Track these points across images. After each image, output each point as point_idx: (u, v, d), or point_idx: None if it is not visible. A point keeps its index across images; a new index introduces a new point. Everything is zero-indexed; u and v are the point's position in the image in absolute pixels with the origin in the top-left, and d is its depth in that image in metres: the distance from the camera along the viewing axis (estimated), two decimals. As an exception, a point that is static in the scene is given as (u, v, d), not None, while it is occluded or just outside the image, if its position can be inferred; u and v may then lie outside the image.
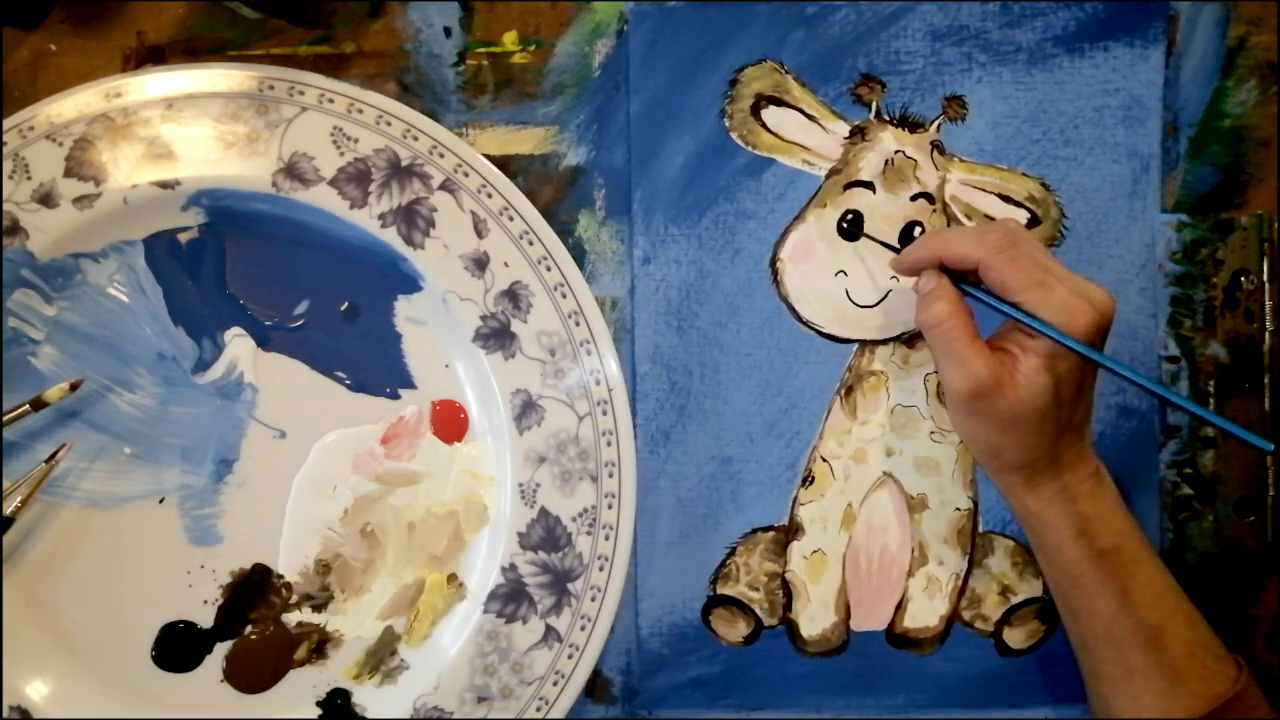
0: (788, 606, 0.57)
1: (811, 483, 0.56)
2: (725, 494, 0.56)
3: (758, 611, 0.57)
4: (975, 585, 0.57)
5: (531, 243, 0.54)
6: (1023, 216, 0.56)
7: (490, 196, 0.54)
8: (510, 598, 0.55)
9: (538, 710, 0.55)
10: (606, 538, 0.55)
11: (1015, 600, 0.57)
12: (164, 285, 0.55)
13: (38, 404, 0.52)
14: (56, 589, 0.55)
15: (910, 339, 0.56)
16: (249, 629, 0.56)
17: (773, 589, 0.57)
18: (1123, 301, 0.48)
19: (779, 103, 0.55)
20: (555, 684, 0.55)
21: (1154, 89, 0.56)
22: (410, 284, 0.55)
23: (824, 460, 0.56)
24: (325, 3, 0.55)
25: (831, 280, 0.56)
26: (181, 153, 0.53)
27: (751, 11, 0.55)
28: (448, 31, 0.55)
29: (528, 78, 0.55)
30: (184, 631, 0.56)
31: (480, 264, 0.54)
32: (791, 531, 0.57)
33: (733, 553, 0.57)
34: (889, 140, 0.55)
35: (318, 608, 0.56)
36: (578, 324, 0.55)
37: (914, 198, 0.55)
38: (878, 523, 0.57)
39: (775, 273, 0.56)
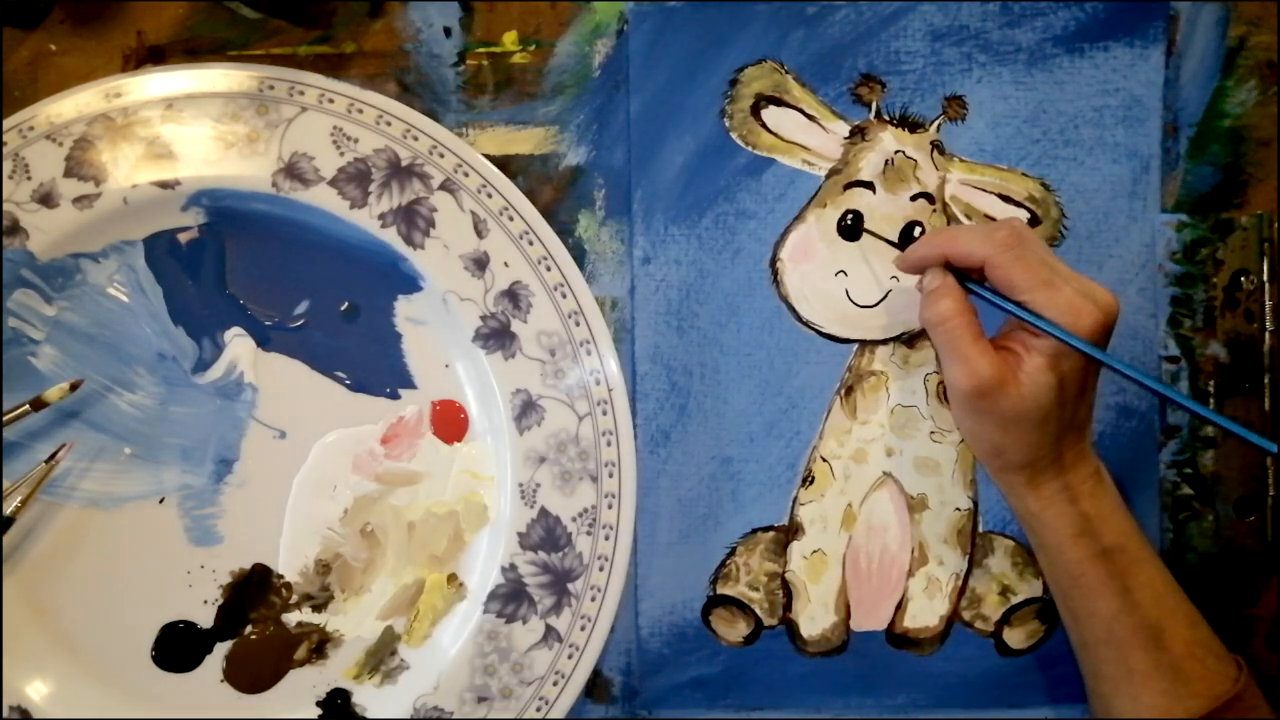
0: (788, 606, 0.57)
1: (811, 483, 0.56)
2: (725, 494, 0.56)
3: (758, 611, 0.57)
4: (975, 585, 0.57)
5: (531, 243, 0.54)
6: (1023, 216, 0.56)
7: (490, 196, 0.54)
8: (510, 598, 0.55)
9: (538, 710, 0.55)
10: (606, 538, 0.55)
11: (1015, 600, 0.57)
12: (164, 285, 0.55)
13: (38, 404, 0.52)
14: (56, 589, 0.55)
15: (910, 339, 0.56)
16: (249, 629, 0.56)
17: (773, 589, 0.57)
18: (1123, 301, 0.48)
19: (779, 103, 0.55)
20: (555, 684, 0.55)
21: (1154, 89, 0.56)
22: (410, 284, 0.55)
23: (824, 460, 0.56)
24: (325, 3, 0.55)
25: (831, 280, 0.56)
26: (181, 153, 0.53)
27: (751, 11, 0.55)
28: (448, 31, 0.55)
29: (528, 78, 0.55)
30: (184, 631, 0.56)
31: (480, 264, 0.54)
32: (791, 531, 0.57)
33: (733, 553, 0.57)
34: (889, 140, 0.55)
35: (318, 608, 0.56)
36: (578, 324, 0.55)
37: (914, 198, 0.55)
38: (878, 523, 0.57)
39: (775, 273, 0.56)
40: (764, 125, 0.55)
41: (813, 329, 0.56)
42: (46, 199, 0.52)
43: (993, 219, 0.56)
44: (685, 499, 0.56)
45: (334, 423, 0.56)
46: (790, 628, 0.57)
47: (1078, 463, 0.49)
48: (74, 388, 0.53)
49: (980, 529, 0.57)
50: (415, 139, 0.54)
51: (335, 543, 0.56)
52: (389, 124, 0.54)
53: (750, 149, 0.55)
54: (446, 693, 0.55)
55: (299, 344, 0.55)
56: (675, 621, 0.57)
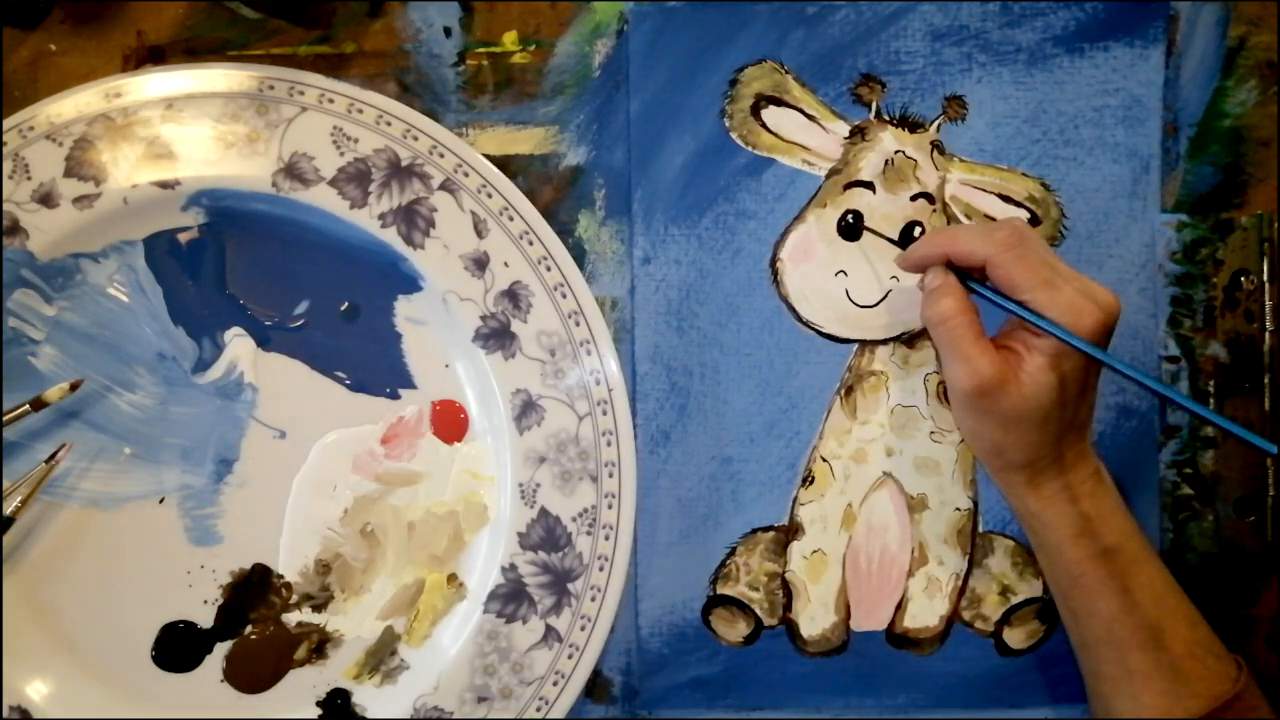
0: (788, 606, 0.57)
1: (811, 483, 0.56)
2: (725, 494, 0.56)
3: (758, 611, 0.57)
4: (975, 585, 0.57)
5: (531, 243, 0.54)
6: (1023, 216, 0.56)
7: (490, 196, 0.54)
8: (510, 598, 0.55)
9: (538, 710, 0.55)
10: (606, 538, 0.55)
11: (1015, 600, 0.57)
12: (164, 285, 0.55)
13: (38, 404, 0.52)
14: (56, 589, 0.55)
15: (910, 339, 0.56)
16: (249, 629, 0.56)
17: (773, 589, 0.57)
18: (1123, 301, 0.48)
19: (779, 103, 0.55)
20: (555, 684, 0.55)
21: (1154, 89, 0.56)
22: (410, 284, 0.55)
23: (824, 460, 0.56)
24: (325, 3, 0.55)
25: (831, 280, 0.56)
26: (181, 153, 0.53)
27: (751, 11, 0.55)
28: (448, 31, 0.55)
29: (528, 78, 0.55)
30: (184, 631, 0.56)
31: (480, 264, 0.54)
32: (791, 531, 0.57)
33: (733, 553, 0.57)
34: (889, 140, 0.55)
35: (318, 608, 0.56)
36: (578, 324, 0.55)
37: (914, 198, 0.55)
38: (878, 523, 0.57)
39: (775, 273, 0.56)
40: (764, 125, 0.55)
41: (813, 329, 0.56)
42: (46, 199, 0.52)
43: (993, 219, 0.56)
44: (685, 499, 0.56)
45: (334, 423, 0.56)
46: (790, 628, 0.57)
47: (1078, 462, 0.49)
48: (74, 388, 0.53)
49: (980, 529, 0.57)
50: (415, 139, 0.54)
51: (335, 543, 0.56)
52: (389, 124, 0.54)
53: (750, 149, 0.55)
54: (446, 693, 0.55)
55: (299, 344, 0.55)
56: (675, 621, 0.57)
